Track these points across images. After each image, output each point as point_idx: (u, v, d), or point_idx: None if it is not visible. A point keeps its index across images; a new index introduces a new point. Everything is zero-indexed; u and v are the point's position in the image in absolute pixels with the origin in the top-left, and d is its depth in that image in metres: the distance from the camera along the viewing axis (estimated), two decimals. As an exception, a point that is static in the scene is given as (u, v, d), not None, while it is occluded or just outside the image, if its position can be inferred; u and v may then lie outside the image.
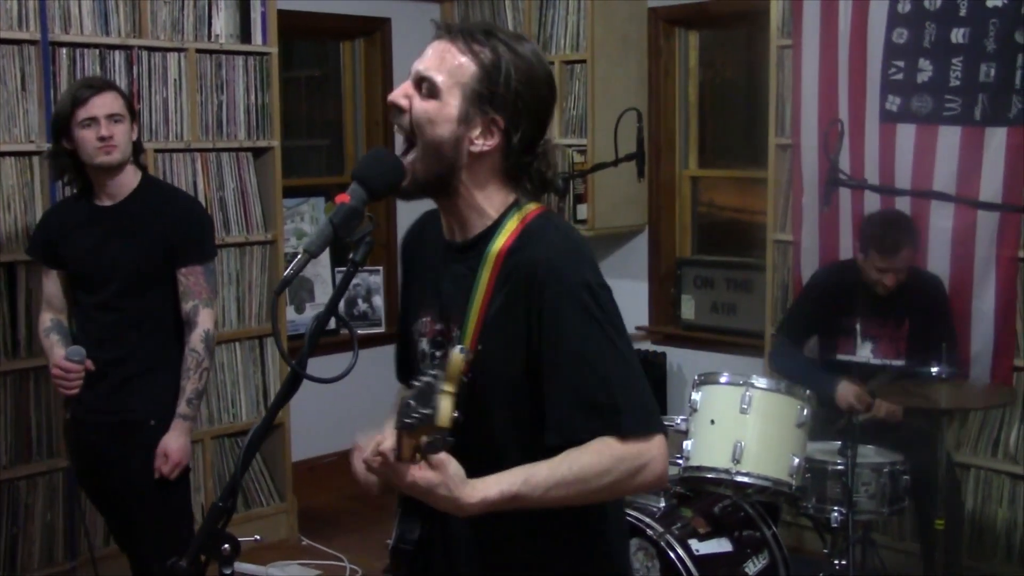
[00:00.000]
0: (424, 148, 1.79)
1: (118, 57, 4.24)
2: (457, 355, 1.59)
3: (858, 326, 4.05)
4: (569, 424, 1.72)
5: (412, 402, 1.57)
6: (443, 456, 1.65)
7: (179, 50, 4.41)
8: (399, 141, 1.88)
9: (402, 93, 1.81)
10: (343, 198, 1.72)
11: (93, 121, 3.14)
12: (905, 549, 4.32)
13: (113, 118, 3.17)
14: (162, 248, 3.21)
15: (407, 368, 2.01)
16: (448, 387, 1.57)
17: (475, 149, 1.78)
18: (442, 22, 1.85)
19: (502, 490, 1.67)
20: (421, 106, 1.78)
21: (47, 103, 4.00)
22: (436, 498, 1.66)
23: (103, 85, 3.23)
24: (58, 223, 3.34)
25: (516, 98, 1.77)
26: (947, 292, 4.07)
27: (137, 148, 3.29)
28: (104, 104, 3.17)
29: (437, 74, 1.78)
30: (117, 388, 3.22)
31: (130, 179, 3.26)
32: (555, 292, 1.73)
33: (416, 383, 1.58)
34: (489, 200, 1.83)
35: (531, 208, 1.83)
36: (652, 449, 1.73)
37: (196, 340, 3.22)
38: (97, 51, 4.18)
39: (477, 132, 1.78)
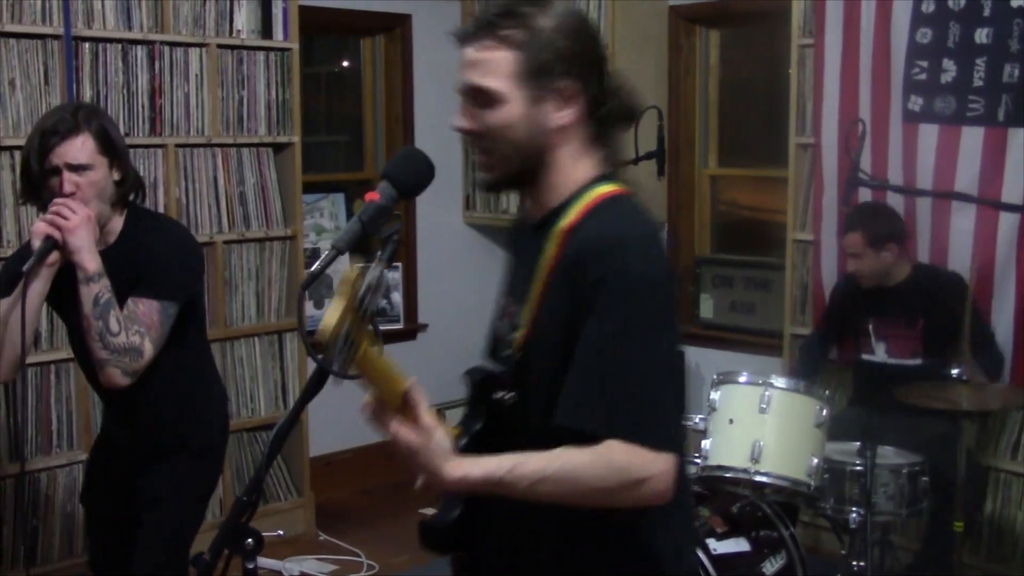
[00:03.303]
0: (509, 153, 1.74)
1: (140, 52, 4.26)
2: (348, 269, 1.54)
3: (871, 327, 4.05)
4: (575, 410, 1.63)
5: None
6: (429, 423, 1.65)
7: (201, 45, 4.43)
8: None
9: (464, 117, 1.75)
10: (372, 196, 1.72)
11: (56, 172, 2.75)
12: (917, 549, 4.30)
13: (78, 169, 2.75)
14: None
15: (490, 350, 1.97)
16: (337, 300, 1.52)
17: (559, 123, 1.73)
18: (458, 30, 1.80)
19: (486, 472, 1.63)
20: (489, 119, 1.73)
21: (70, 97, 4.02)
22: (416, 464, 1.64)
23: (73, 128, 2.77)
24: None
25: (570, 55, 1.70)
26: (968, 290, 4.03)
27: (127, 186, 2.88)
28: (67, 152, 2.75)
29: (483, 79, 1.72)
30: (149, 429, 3.02)
31: (115, 224, 2.88)
32: (592, 277, 1.63)
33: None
34: (566, 177, 1.76)
35: (607, 188, 1.74)
36: (657, 465, 1.61)
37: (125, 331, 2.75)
38: (119, 46, 4.20)
39: (552, 107, 1.72)
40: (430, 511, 1.92)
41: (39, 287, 2.74)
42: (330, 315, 1.50)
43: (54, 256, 2.72)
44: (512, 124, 1.72)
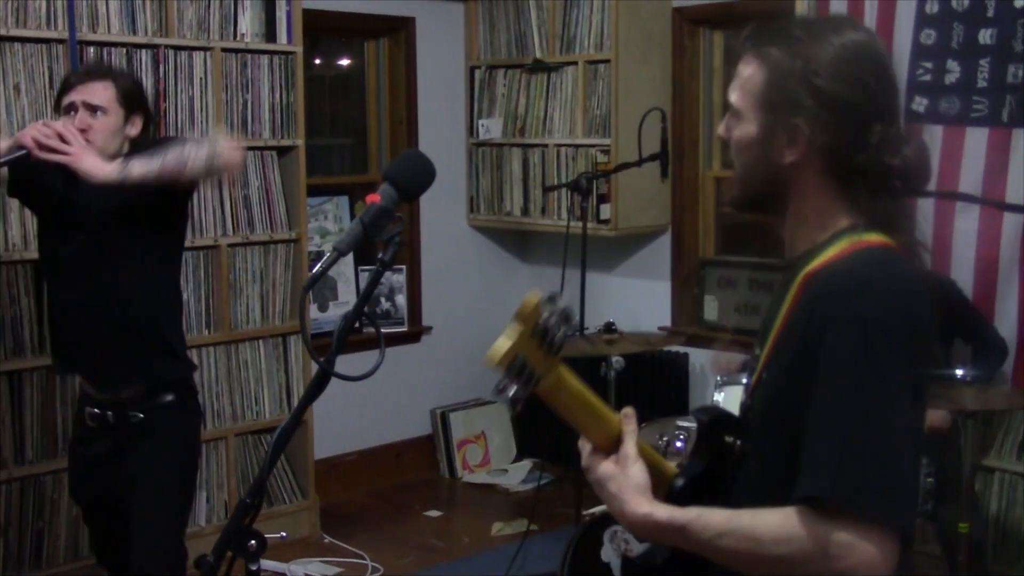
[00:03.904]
0: (741, 171, 1.65)
1: (145, 56, 4.27)
2: (530, 295, 1.41)
3: None
4: (802, 477, 1.42)
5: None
6: (629, 452, 1.54)
7: (205, 49, 4.44)
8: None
9: (723, 126, 1.68)
10: (374, 198, 1.73)
11: (72, 108, 2.85)
12: (928, 552, 4.29)
13: (94, 109, 2.83)
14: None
15: None
16: (513, 325, 1.39)
17: (786, 161, 1.58)
18: (744, 35, 1.70)
19: (672, 516, 1.49)
20: (733, 133, 1.63)
21: (75, 101, 4.03)
22: (606, 493, 1.54)
23: (98, 72, 2.90)
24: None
25: (816, 94, 1.53)
26: (958, 291, 3.97)
27: (141, 145, 2.91)
28: (87, 92, 2.83)
29: (733, 94, 1.63)
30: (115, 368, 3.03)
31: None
32: (822, 321, 1.46)
33: None
34: (819, 218, 1.59)
35: (869, 237, 1.55)
36: (858, 542, 1.35)
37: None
38: (124, 50, 4.21)
39: (782, 142, 1.57)
40: (627, 544, 1.75)
41: None
42: (501, 341, 1.39)
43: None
44: (747, 145, 1.61)
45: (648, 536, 1.55)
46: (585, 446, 1.59)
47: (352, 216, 5.64)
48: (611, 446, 1.56)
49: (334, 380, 1.73)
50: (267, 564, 4.34)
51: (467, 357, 5.80)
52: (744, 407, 1.67)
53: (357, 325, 1.78)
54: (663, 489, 1.55)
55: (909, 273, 1.53)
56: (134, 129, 2.95)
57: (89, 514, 3.26)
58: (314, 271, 1.69)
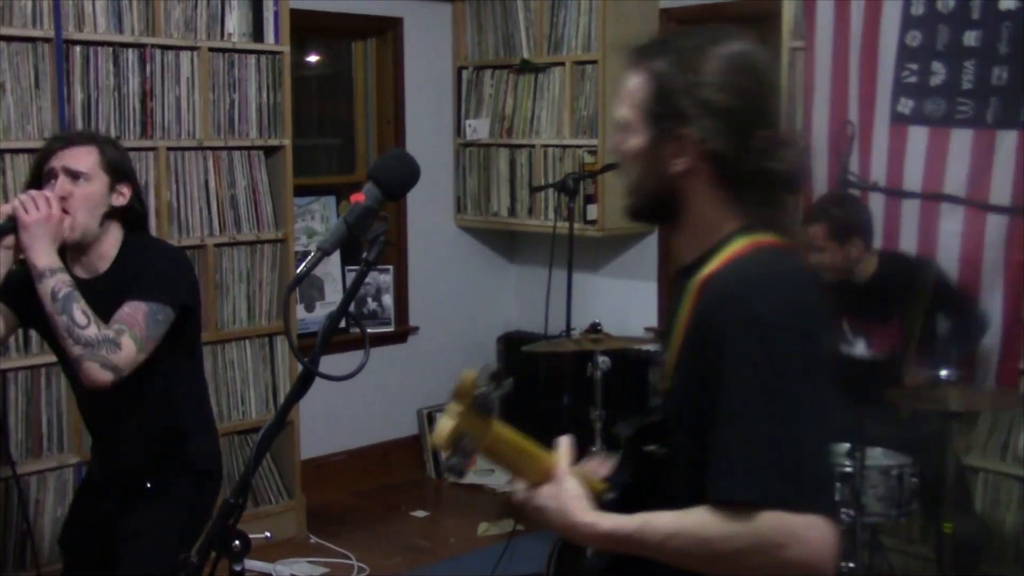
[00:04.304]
0: (633, 183, 1.68)
1: (131, 55, 4.26)
2: (466, 374, 1.51)
3: (845, 325, 4.03)
4: (717, 482, 1.47)
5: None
6: (565, 469, 1.60)
7: (192, 48, 4.43)
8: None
9: (613, 140, 1.71)
10: (358, 197, 1.73)
11: (52, 175, 2.68)
12: (914, 552, 4.31)
13: (76, 176, 2.67)
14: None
15: None
16: (452, 405, 1.51)
17: (675, 170, 1.61)
18: (633, 48, 1.70)
19: (617, 525, 1.53)
20: (621, 144, 1.67)
21: (60, 101, 4.02)
22: (548, 513, 1.58)
23: (81, 138, 2.75)
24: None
25: (701, 104, 1.57)
26: (939, 272, 3.98)
27: (128, 213, 2.79)
28: (69, 157, 2.68)
29: (620, 107, 1.67)
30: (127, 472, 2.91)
31: (107, 248, 2.77)
32: (719, 331, 1.50)
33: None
34: (709, 224, 1.63)
35: (755, 238, 1.60)
36: (797, 528, 1.42)
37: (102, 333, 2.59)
38: (111, 49, 4.20)
39: (670, 152, 1.61)
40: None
41: None
42: (443, 423, 1.50)
43: (9, 240, 2.61)
44: (636, 157, 1.65)
45: (594, 544, 1.59)
46: (518, 486, 1.64)
47: (339, 216, 5.64)
48: (543, 479, 1.62)
49: (320, 380, 1.73)
50: (252, 564, 4.33)
51: (454, 358, 5.80)
52: (662, 413, 1.70)
53: (343, 325, 1.78)
54: (595, 504, 1.60)
55: (799, 268, 1.59)
56: (121, 199, 2.76)
57: (70, 569, 3.04)
58: (298, 271, 1.68)
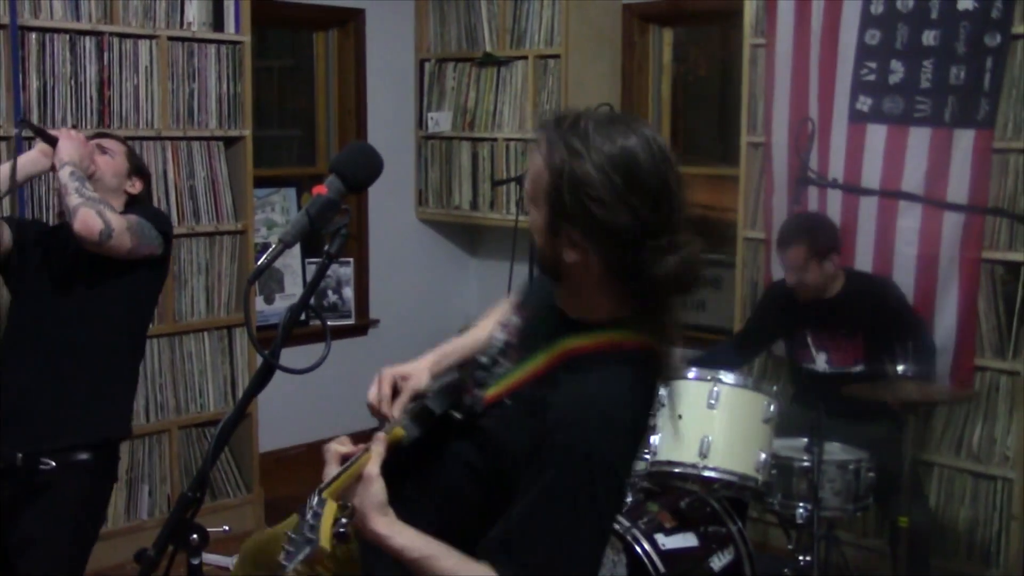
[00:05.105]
0: (536, 247, 1.77)
1: (88, 43, 4.20)
2: (330, 506, 1.59)
3: (809, 338, 4.06)
4: (488, 552, 1.69)
5: (294, 537, 1.59)
6: (373, 472, 1.69)
7: (151, 37, 4.37)
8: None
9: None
10: (320, 189, 1.72)
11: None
12: (868, 546, 4.36)
13: (104, 150, 3.23)
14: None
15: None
16: (325, 519, 1.58)
17: (566, 260, 1.70)
18: (541, 114, 1.80)
19: (403, 545, 1.67)
20: (526, 208, 1.77)
21: (15, 88, 3.96)
22: (356, 514, 1.68)
23: (115, 136, 3.41)
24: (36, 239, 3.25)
25: (588, 217, 1.64)
26: (899, 293, 4.05)
27: (134, 202, 3.27)
28: (103, 140, 3.31)
29: (528, 180, 1.74)
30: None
31: None
32: (555, 442, 1.66)
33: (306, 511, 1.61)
34: (592, 301, 1.75)
35: (630, 337, 1.73)
36: None
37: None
38: (67, 36, 4.14)
39: (564, 243, 1.69)
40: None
41: (28, 156, 3.14)
42: (324, 527, 1.57)
43: (48, 148, 3.11)
44: (536, 231, 1.74)
45: (385, 551, 1.69)
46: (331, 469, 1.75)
47: (300, 208, 5.60)
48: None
49: (280, 373, 1.72)
50: (209, 558, 4.29)
51: (415, 351, 5.71)
52: (476, 412, 1.82)
53: (304, 318, 1.77)
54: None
55: (632, 390, 1.71)
56: (133, 188, 3.28)
57: None
58: (259, 263, 1.67)
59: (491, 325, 2.10)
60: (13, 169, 3.00)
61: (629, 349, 1.72)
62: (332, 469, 1.74)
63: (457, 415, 1.85)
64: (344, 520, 1.61)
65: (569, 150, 1.64)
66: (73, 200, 2.93)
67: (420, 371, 2.04)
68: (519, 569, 1.65)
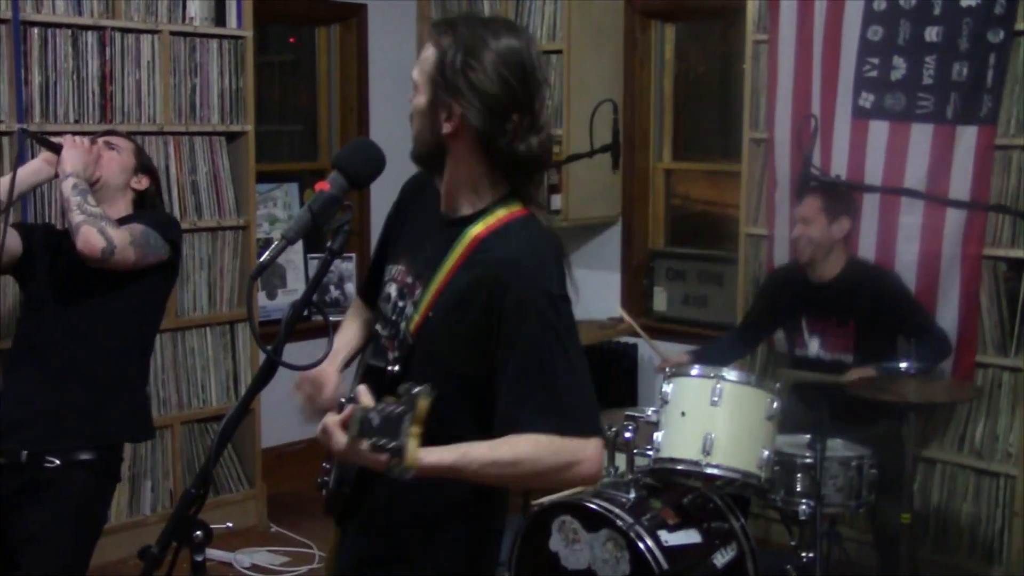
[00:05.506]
0: (415, 133, 1.94)
1: (91, 38, 4.20)
2: (424, 400, 1.63)
3: (803, 323, 4.06)
4: (516, 419, 1.82)
5: (377, 423, 1.63)
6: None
7: (153, 32, 4.37)
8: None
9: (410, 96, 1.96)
10: (323, 185, 1.72)
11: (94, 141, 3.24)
12: (870, 542, 4.36)
13: (111, 147, 3.22)
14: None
15: (371, 291, 2.20)
16: (416, 429, 1.63)
17: (444, 132, 1.87)
18: (432, 22, 1.96)
19: (439, 458, 1.76)
20: (410, 100, 1.93)
21: (18, 84, 3.96)
22: (369, 460, 1.72)
23: (122, 134, 3.38)
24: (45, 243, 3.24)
25: (469, 84, 1.84)
26: (899, 284, 4.05)
27: (144, 199, 3.27)
28: (111, 137, 3.29)
29: (414, 70, 1.92)
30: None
31: (114, 214, 3.11)
32: (517, 297, 1.83)
33: (385, 406, 1.65)
34: (473, 185, 1.92)
35: (515, 208, 1.92)
36: (587, 449, 1.83)
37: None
38: (70, 31, 4.14)
39: (443, 117, 1.87)
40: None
41: (31, 166, 3.16)
42: (413, 446, 1.64)
43: (52, 157, 3.12)
44: (418, 113, 1.91)
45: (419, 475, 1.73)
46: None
47: (302, 203, 5.60)
48: None
49: (282, 369, 1.72)
50: (213, 554, 4.30)
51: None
52: (407, 342, 1.94)
53: (306, 313, 1.77)
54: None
55: (558, 244, 1.94)
56: (140, 184, 3.25)
57: None
58: (262, 259, 1.67)
59: (354, 318, 2.29)
60: (12, 181, 3.01)
61: (523, 215, 1.92)
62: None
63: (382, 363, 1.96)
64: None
65: (455, 34, 1.87)
66: (76, 217, 2.93)
67: (330, 375, 2.14)
68: (554, 418, 1.80)
